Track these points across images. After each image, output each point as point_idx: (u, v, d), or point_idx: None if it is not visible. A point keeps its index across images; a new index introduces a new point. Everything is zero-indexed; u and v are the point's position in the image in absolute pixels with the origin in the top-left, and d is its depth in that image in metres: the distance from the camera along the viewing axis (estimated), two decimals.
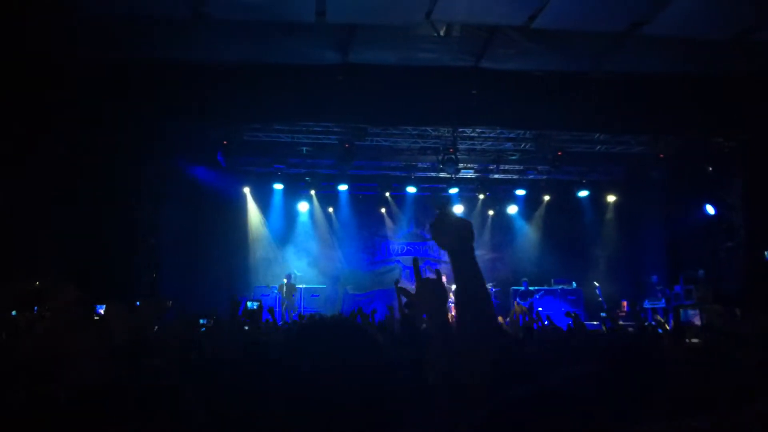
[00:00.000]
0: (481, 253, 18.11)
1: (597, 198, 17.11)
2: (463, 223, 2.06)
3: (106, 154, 10.92)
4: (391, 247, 18.27)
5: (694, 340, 4.80)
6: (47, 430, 2.05)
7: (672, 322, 10.45)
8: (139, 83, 10.10)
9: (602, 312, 13.54)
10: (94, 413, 1.98)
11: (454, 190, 16.87)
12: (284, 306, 15.42)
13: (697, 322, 9.21)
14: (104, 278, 10.71)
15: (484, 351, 1.79)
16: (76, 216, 10.83)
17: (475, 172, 16.60)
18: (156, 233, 12.98)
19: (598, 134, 13.99)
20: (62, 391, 2.26)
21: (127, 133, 11.14)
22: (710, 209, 13.63)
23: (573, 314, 8.48)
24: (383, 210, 17.76)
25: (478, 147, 14.90)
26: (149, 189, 12.52)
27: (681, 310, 11.24)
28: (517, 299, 15.97)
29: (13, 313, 4.51)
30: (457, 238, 2.03)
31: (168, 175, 13.34)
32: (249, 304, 8.85)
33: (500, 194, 17.43)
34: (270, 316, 8.22)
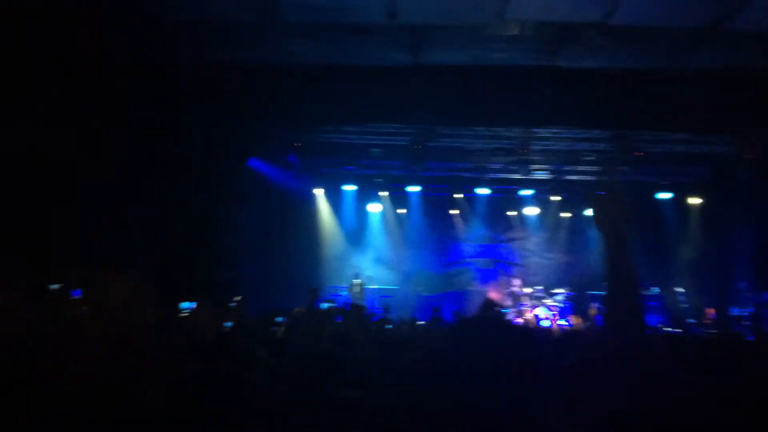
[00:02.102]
0: (556, 256, 17.75)
1: (679, 200, 16.46)
2: (628, 207, 1.82)
3: (184, 155, 11.29)
4: (463, 249, 18.14)
5: None
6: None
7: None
8: (215, 86, 10.38)
9: (689, 318, 12.99)
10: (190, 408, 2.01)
11: (527, 192, 16.59)
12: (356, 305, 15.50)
13: None
14: (184, 277, 11.07)
15: (632, 350, 1.65)
16: (156, 216, 11.24)
17: (549, 173, 16.25)
18: (233, 233, 13.32)
19: (679, 134, 13.43)
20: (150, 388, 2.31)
21: (205, 134, 11.48)
22: None
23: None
24: (455, 211, 17.65)
25: (552, 147, 14.55)
26: (227, 189, 12.86)
27: None
28: (597, 304, 15.54)
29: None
30: (622, 223, 1.80)
31: (244, 175, 13.68)
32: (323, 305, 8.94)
33: (576, 196, 16.99)
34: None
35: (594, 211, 1.82)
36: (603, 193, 1.83)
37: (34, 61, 8.75)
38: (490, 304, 8.58)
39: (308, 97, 10.82)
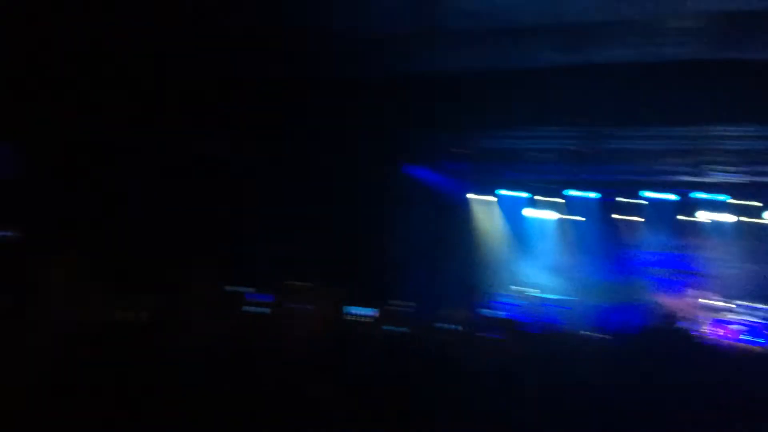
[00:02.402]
0: (740, 266, 16.33)
1: None
2: None
3: (352, 163, 11.81)
4: (638, 257, 17.25)
5: None
6: None
7: None
8: (374, 96, 10.78)
9: None
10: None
11: (706, 196, 15.47)
12: (527, 317, 15.23)
13: None
14: (353, 281, 11.54)
15: None
16: (325, 223, 11.84)
17: (730, 175, 15.02)
18: (399, 237, 13.64)
19: None
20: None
21: (373, 140, 11.92)
22: None
23: None
24: (629, 218, 16.85)
25: (732, 148, 13.44)
26: (390, 196, 13.21)
27: None
28: None
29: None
30: None
31: (407, 182, 13.99)
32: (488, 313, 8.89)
33: (763, 199, 15.55)
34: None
35: None
36: None
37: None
38: (671, 317, 8.08)
39: (468, 102, 10.88)
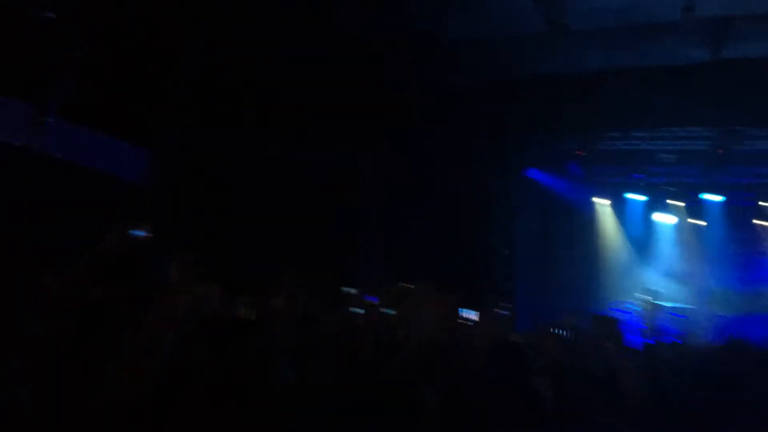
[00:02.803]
0: None
1: None
2: None
3: (464, 166, 11.60)
4: None
5: None
6: None
7: None
8: (494, 99, 10.51)
9: None
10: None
11: None
12: (646, 326, 14.49)
13: None
14: (461, 286, 11.33)
15: None
16: (436, 225, 11.71)
17: None
18: (510, 243, 13.32)
19: None
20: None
21: (484, 146, 11.67)
22: None
23: None
24: (760, 222, 15.69)
25: None
26: (504, 200, 12.91)
27: None
28: None
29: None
30: None
31: (522, 185, 13.63)
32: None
33: None
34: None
35: None
36: None
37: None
38: None
39: (594, 104, 10.46)
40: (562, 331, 7.83)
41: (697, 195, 15.26)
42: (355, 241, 11.96)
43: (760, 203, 15.27)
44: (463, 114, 10.64)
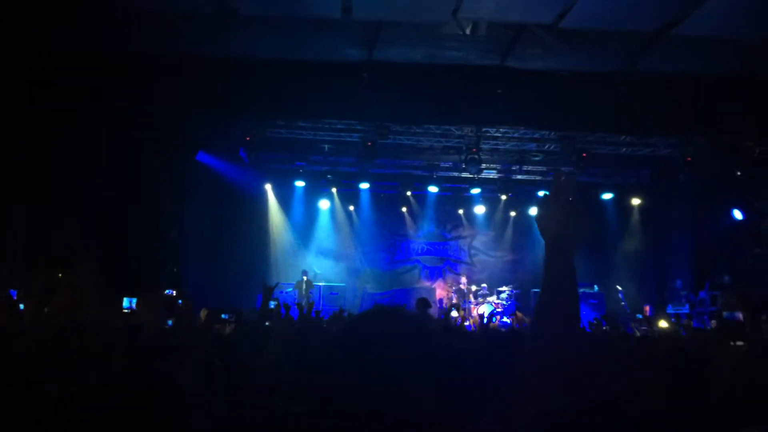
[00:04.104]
0: (502, 254, 18.02)
1: (622, 201, 16.91)
2: (578, 210, 1.70)
3: (130, 148, 10.97)
4: (411, 246, 18.22)
5: (739, 343, 4.66)
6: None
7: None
8: (164, 78, 10.10)
9: (637, 314, 13.34)
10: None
11: (476, 191, 16.76)
12: (301, 303, 15.37)
13: None
14: (126, 272, 10.75)
15: (560, 353, 1.61)
16: (100, 210, 10.90)
17: (497, 173, 16.49)
18: (178, 228, 13.03)
19: (624, 136, 13.80)
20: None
21: (151, 127, 11.17)
22: (738, 214, 13.38)
23: (596, 320, 8.37)
24: (404, 209, 17.72)
25: (502, 147, 14.77)
26: (172, 183, 12.55)
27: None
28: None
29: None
30: (565, 226, 1.69)
31: (191, 169, 13.38)
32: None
33: (523, 195, 17.25)
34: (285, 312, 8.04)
35: (538, 212, 1.72)
36: (548, 193, 1.72)
37: None
38: (423, 303, 8.66)
39: (260, 91, 10.64)
40: (230, 316, 7.95)
41: (351, 182, 16.55)
42: None
43: (407, 193, 17.24)
44: (130, 89, 10.02)
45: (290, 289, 15.74)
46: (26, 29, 8.78)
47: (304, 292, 15.68)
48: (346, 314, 9.58)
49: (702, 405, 2.17)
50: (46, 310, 2.76)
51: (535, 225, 1.73)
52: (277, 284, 7.40)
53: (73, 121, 10.03)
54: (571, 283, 1.70)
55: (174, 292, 11.17)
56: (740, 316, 11.02)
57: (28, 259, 10.17)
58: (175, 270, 13.15)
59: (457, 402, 1.52)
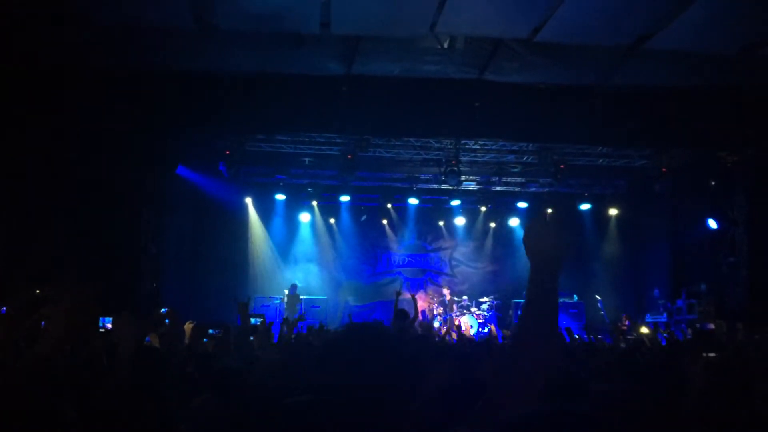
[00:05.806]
0: (483, 265, 18.11)
1: (599, 211, 17.08)
2: (562, 236, 1.86)
3: (110, 162, 10.90)
4: (392, 258, 18.23)
5: (711, 355, 4.75)
6: None
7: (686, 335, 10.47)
8: (144, 93, 10.09)
9: (604, 325, 13.50)
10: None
11: (455, 202, 16.86)
12: (288, 318, 15.27)
13: None
14: (106, 287, 10.62)
15: (539, 365, 1.70)
16: (78, 224, 10.81)
17: (477, 185, 16.62)
18: (158, 242, 12.92)
19: (601, 147, 14.00)
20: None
21: (131, 142, 11.11)
22: (713, 224, 13.57)
23: (568, 329, 8.56)
24: (385, 221, 17.74)
25: (481, 159, 14.91)
26: (152, 198, 12.45)
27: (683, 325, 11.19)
28: (519, 311, 15.86)
29: None
30: (551, 248, 1.83)
31: (170, 184, 13.29)
32: (252, 320, 8.65)
33: (502, 207, 17.39)
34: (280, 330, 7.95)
35: (525, 233, 1.86)
36: (537, 218, 1.90)
37: None
38: (402, 315, 8.73)
39: (240, 105, 10.68)
40: (217, 331, 7.93)
41: (332, 195, 16.54)
42: None
43: (387, 205, 17.28)
44: (110, 104, 9.99)
45: (278, 301, 15.69)
46: (2, 44, 8.73)
47: (288, 306, 15.58)
48: (326, 328, 9.59)
49: (675, 415, 2.23)
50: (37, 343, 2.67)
51: (519, 240, 1.84)
52: (249, 299, 7.39)
53: (50, 135, 9.96)
54: (552, 300, 1.80)
55: (167, 310, 11.05)
56: (712, 326, 11.19)
57: (6, 274, 10.04)
58: (154, 285, 13.03)
59: (434, 414, 1.57)
